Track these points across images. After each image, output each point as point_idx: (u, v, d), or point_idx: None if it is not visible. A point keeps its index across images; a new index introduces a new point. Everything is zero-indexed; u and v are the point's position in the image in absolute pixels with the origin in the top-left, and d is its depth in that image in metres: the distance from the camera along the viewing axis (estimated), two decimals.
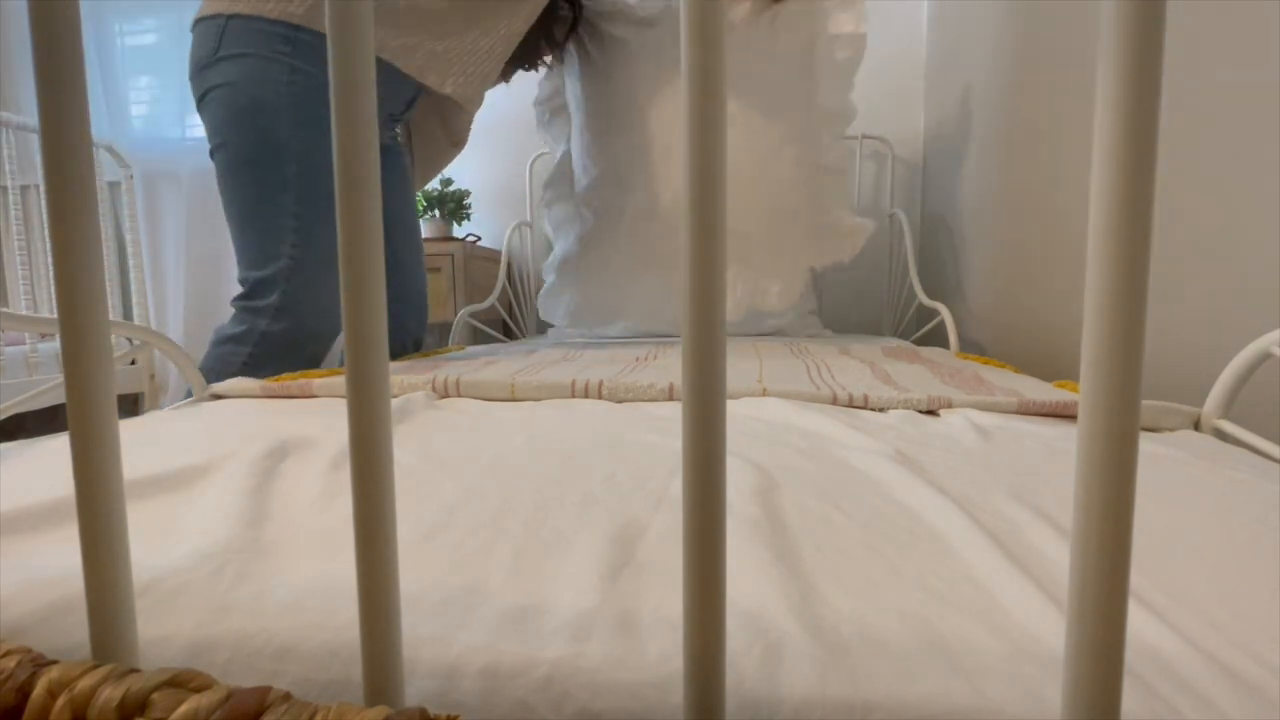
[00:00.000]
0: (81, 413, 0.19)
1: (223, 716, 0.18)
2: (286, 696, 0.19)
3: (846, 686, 0.21)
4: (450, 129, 1.24)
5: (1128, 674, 0.21)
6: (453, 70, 1.01)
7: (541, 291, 1.51)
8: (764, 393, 0.64)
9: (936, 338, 1.47)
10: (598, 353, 1.10)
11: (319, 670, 0.23)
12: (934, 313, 1.45)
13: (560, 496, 0.36)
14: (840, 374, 0.79)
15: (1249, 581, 0.27)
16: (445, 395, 0.69)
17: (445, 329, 1.58)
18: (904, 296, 1.67)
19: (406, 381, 0.70)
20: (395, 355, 1.10)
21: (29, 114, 1.97)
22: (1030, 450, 0.46)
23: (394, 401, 0.62)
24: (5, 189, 1.68)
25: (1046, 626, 0.23)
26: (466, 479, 0.39)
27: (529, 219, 1.84)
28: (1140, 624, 0.23)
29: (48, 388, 0.63)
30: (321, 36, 0.89)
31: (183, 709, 0.18)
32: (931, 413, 0.60)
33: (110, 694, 0.18)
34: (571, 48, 1.42)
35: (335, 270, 0.93)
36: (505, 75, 1.37)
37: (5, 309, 0.83)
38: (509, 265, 1.80)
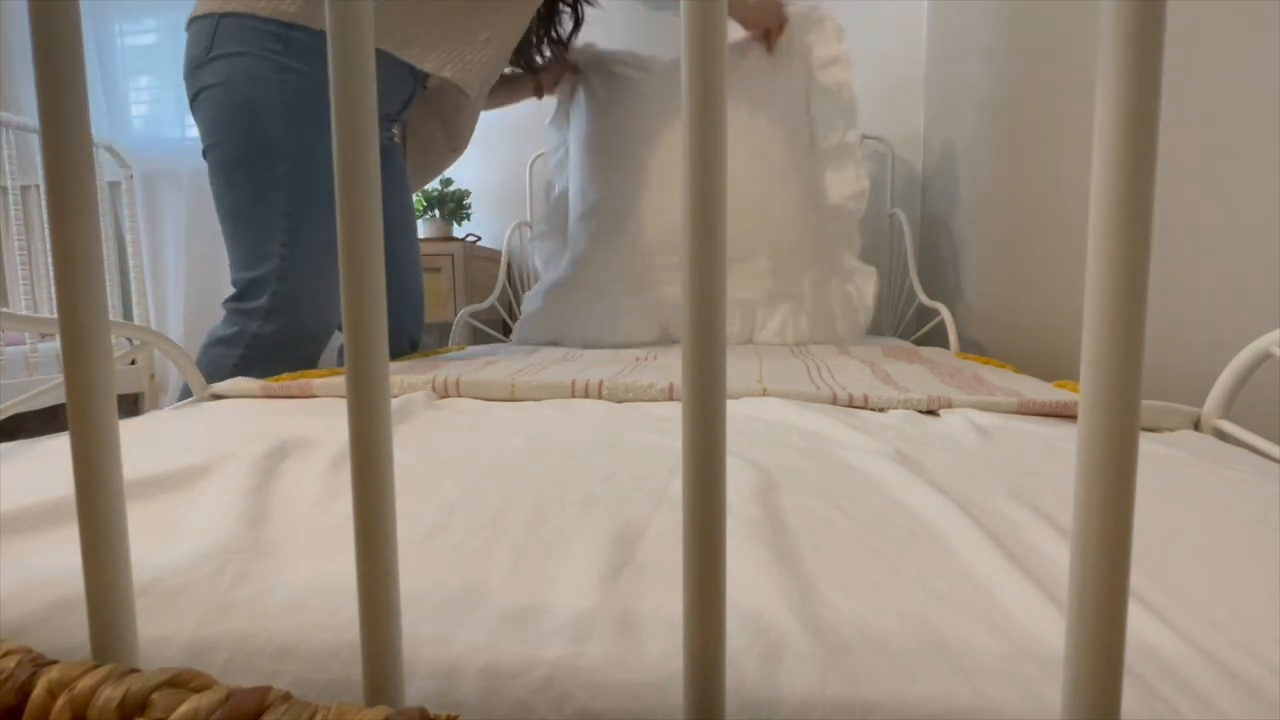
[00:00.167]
0: (81, 413, 0.19)
1: (223, 716, 0.18)
2: (286, 696, 0.19)
3: (846, 686, 0.21)
4: (452, 131, 1.23)
5: (1128, 674, 0.21)
6: (450, 56, 1.00)
7: (521, 319, 1.42)
8: (764, 393, 0.64)
9: (936, 338, 1.47)
10: (598, 353, 1.10)
11: (319, 670, 0.23)
12: (934, 312, 1.45)
13: (560, 496, 0.36)
14: (840, 374, 0.79)
15: (1249, 581, 0.27)
16: (445, 395, 0.69)
17: (445, 329, 1.58)
18: (904, 296, 1.67)
19: (406, 381, 0.70)
20: (393, 355, 1.10)
21: (29, 114, 1.97)
22: (1030, 450, 0.46)
23: (394, 401, 0.62)
24: (5, 189, 1.68)
25: (1046, 626, 0.23)
26: (466, 479, 0.39)
27: (529, 219, 1.84)
28: (1140, 624, 0.23)
29: (48, 388, 0.63)
30: (314, 34, 0.89)
31: (183, 709, 0.18)
32: (931, 413, 0.60)
33: (110, 694, 0.18)
34: (580, 89, 1.46)
35: (326, 270, 0.93)
36: (521, 91, 1.41)
37: (5, 309, 0.83)
38: (509, 265, 1.80)
